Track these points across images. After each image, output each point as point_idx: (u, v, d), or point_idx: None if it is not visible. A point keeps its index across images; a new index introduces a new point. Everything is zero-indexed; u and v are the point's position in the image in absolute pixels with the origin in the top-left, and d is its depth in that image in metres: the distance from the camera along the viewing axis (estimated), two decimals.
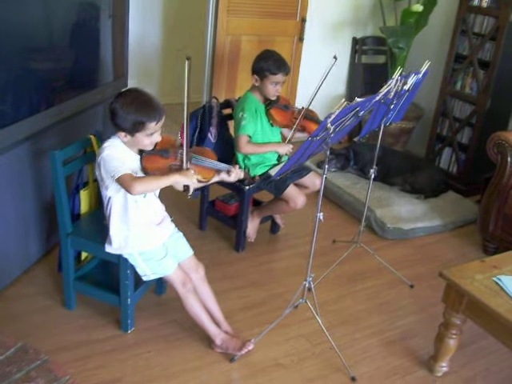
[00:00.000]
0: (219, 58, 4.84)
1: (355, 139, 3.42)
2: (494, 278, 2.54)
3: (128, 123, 2.41)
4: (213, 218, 3.89)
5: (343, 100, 2.37)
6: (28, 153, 2.97)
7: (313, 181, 3.59)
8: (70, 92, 3.29)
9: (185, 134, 2.49)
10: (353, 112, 2.47)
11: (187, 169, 2.51)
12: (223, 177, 2.72)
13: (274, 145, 3.50)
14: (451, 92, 4.87)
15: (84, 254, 3.03)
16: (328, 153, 2.66)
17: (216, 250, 3.67)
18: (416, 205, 4.41)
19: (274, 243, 3.91)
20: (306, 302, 2.90)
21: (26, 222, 3.10)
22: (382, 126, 3.37)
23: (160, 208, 2.76)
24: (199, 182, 2.61)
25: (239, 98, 3.59)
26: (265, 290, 3.32)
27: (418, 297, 3.41)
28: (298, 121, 3.41)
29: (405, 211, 4.27)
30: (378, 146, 3.51)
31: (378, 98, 2.74)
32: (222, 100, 3.78)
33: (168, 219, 2.80)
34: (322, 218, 2.75)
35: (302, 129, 3.47)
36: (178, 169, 2.52)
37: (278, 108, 3.46)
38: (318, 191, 2.80)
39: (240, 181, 3.22)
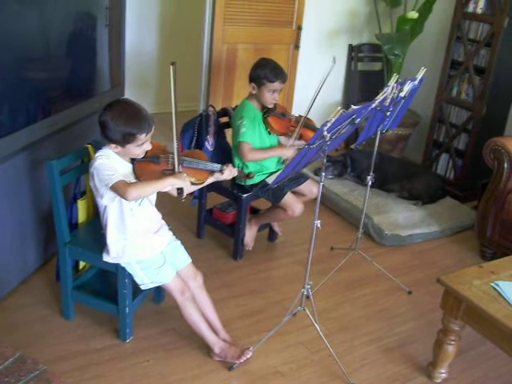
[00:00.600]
0: (216, 66, 4.85)
1: (352, 146, 3.42)
2: (492, 284, 2.55)
3: (118, 135, 2.42)
4: (210, 227, 3.88)
5: (339, 108, 2.38)
6: (25, 163, 2.97)
7: (310, 188, 3.59)
8: (66, 102, 3.29)
9: (174, 138, 2.49)
10: (349, 120, 2.47)
11: (179, 172, 2.51)
12: (217, 176, 2.72)
13: (277, 149, 3.49)
14: (447, 98, 4.89)
15: (82, 264, 3.02)
16: (325, 160, 2.67)
17: (214, 259, 3.66)
18: (413, 211, 4.41)
19: (271, 251, 3.91)
20: (304, 309, 2.90)
21: (24, 231, 3.09)
22: (379, 132, 3.38)
23: (157, 216, 2.76)
24: (194, 184, 2.62)
25: (236, 106, 3.60)
26: (263, 298, 3.31)
27: (416, 303, 3.42)
28: (298, 128, 3.41)
29: (402, 218, 4.27)
30: (375, 152, 3.51)
31: (374, 106, 2.75)
32: (218, 108, 3.78)
33: (165, 227, 2.80)
34: (319, 225, 2.75)
35: (299, 136, 3.47)
36: (171, 173, 2.53)
37: (276, 116, 3.46)
38: (316, 199, 2.80)
39: (237, 184, 3.22)
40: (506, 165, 3.75)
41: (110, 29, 3.68)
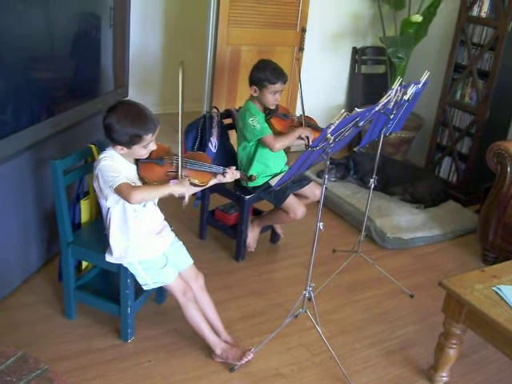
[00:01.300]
0: (219, 67, 4.86)
1: (355, 149, 3.42)
2: (494, 288, 2.54)
3: (125, 137, 2.42)
4: (213, 228, 3.89)
5: (343, 110, 2.38)
6: (29, 162, 2.98)
7: (313, 191, 3.59)
8: (71, 102, 3.30)
9: (180, 140, 2.50)
10: (353, 122, 2.48)
11: (182, 177, 2.52)
12: (220, 178, 2.73)
13: (299, 129, 3.44)
14: (451, 102, 4.89)
15: (84, 264, 3.02)
16: (328, 162, 2.67)
17: (216, 260, 3.67)
18: (416, 214, 4.41)
19: (273, 253, 3.91)
20: (306, 311, 2.90)
21: (27, 231, 3.10)
22: (382, 135, 3.38)
23: (160, 217, 2.76)
24: (196, 186, 2.63)
25: (240, 107, 3.60)
26: (265, 300, 3.32)
27: (417, 306, 3.41)
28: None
29: (405, 221, 4.27)
30: (378, 155, 3.52)
31: (377, 108, 2.75)
32: (222, 110, 3.79)
33: (168, 228, 2.81)
34: (322, 227, 2.75)
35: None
36: (176, 175, 2.54)
37: (278, 117, 3.46)
38: (318, 201, 2.80)
39: (240, 186, 3.22)
40: (509, 169, 3.75)
41: (114, 29, 3.68)
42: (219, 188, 3.49)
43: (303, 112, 3.47)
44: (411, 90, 3.16)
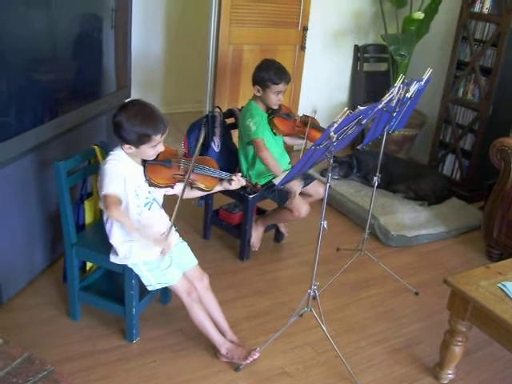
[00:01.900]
0: (222, 67, 4.86)
1: (358, 147, 3.41)
2: (499, 285, 2.54)
3: (134, 136, 2.42)
4: (217, 228, 3.89)
5: (346, 108, 2.38)
6: (32, 164, 2.98)
7: (316, 189, 3.59)
8: (73, 103, 3.30)
9: (190, 149, 2.52)
10: (356, 120, 2.47)
11: (190, 179, 2.54)
12: (225, 186, 2.74)
13: (283, 172, 3.35)
14: (453, 99, 4.88)
15: (89, 265, 3.03)
16: (331, 161, 2.67)
17: (220, 259, 3.67)
18: (420, 212, 4.41)
19: (278, 252, 3.91)
20: (311, 310, 2.90)
21: (31, 232, 3.11)
22: (385, 133, 3.38)
23: (165, 219, 2.76)
24: (202, 190, 2.65)
25: (242, 107, 3.60)
26: (270, 299, 3.32)
27: (422, 304, 3.41)
28: (306, 131, 3.39)
29: (408, 218, 4.27)
30: (381, 153, 3.51)
31: (380, 106, 2.75)
32: (224, 109, 3.79)
33: (172, 229, 2.80)
34: (326, 226, 2.75)
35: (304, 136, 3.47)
36: (182, 179, 2.55)
37: (281, 117, 3.46)
38: (322, 199, 2.80)
39: (243, 188, 3.22)
40: None
41: (116, 30, 3.69)
42: None
43: (314, 112, 3.46)
44: (414, 88, 3.15)
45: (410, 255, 3.99)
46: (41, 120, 2.99)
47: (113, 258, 2.66)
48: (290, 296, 3.32)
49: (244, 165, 3.52)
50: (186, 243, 2.84)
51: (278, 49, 5.07)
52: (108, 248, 2.68)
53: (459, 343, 2.66)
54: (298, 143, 3.53)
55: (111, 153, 2.53)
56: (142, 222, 2.57)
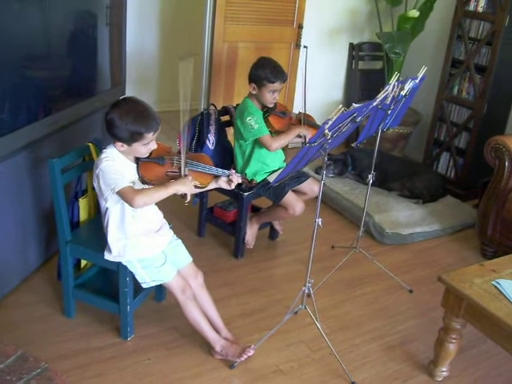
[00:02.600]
0: (216, 65, 4.85)
1: (353, 145, 3.42)
2: (493, 282, 2.55)
3: (126, 133, 2.41)
4: (211, 225, 3.89)
5: (340, 106, 2.38)
6: (26, 161, 2.97)
7: (311, 187, 3.59)
8: (67, 100, 3.30)
9: (182, 140, 2.50)
10: (350, 118, 2.48)
11: (185, 175, 2.52)
12: (221, 183, 2.73)
13: (296, 128, 3.44)
14: (448, 97, 4.89)
15: (83, 262, 3.02)
16: (326, 158, 2.66)
17: (215, 257, 3.67)
18: (414, 210, 4.41)
19: (272, 249, 3.91)
20: (305, 307, 2.90)
21: (25, 230, 3.10)
22: (380, 131, 3.38)
23: (158, 215, 2.76)
24: (196, 187, 2.63)
25: (237, 104, 3.60)
26: (264, 297, 3.32)
27: (417, 301, 3.42)
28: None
29: (403, 216, 4.27)
30: (376, 151, 3.51)
31: (375, 104, 2.75)
32: (219, 107, 3.78)
33: (167, 226, 2.81)
34: (320, 223, 2.75)
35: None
36: (176, 176, 2.54)
37: (276, 115, 3.46)
38: (317, 197, 2.80)
39: (238, 185, 3.23)
40: (506, 163, 3.75)
41: (110, 28, 3.68)
42: None
43: (304, 110, 3.46)
44: (408, 86, 3.16)
45: (405, 253, 3.99)
46: (35, 117, 2.97)
47: (107, 256, 2.65)
48: (284, 294, 3.32)
49: (240, 162, 3.52)
50: (180, 241, 2.84)
51: (273, 46, 5.06)
52: (102, 245, 2.67)
53: (453, 340, 2.67)
54: (294, 141, 3.53)
55: (104, 150, 2.52)
56: (135, 217, 2.57)
